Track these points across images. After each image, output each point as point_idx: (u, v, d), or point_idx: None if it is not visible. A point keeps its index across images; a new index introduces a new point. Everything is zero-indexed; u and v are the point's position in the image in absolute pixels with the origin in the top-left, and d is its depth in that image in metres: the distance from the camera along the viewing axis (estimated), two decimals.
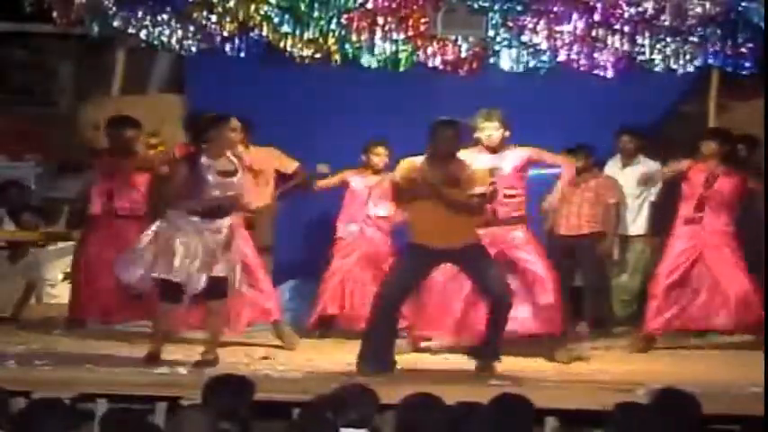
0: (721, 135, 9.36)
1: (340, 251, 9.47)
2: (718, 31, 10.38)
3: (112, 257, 9.03)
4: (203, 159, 7.83)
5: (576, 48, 10.54)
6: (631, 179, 10.18)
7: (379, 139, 9.45)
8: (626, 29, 10.47)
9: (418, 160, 7.87)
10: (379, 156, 9.39)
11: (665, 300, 9.07)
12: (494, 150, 8.45)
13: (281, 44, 10.72)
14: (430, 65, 10.69)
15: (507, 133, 8.48)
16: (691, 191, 9.13)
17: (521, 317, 8.33)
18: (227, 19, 10.70)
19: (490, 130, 8.45)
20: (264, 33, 10.74)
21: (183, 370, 7.69)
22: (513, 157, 8.49)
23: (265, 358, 8.22)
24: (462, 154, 8.02)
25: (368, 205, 9.44)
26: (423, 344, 8.86)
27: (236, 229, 8.00)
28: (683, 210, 9.15)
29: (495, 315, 7.86)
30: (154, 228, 7.92)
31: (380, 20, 10.63)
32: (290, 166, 9.44)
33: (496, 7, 10.59)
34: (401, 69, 10.73)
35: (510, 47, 10.64)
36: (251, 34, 10.77)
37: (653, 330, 9.13)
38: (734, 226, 9.13)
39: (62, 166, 12.30)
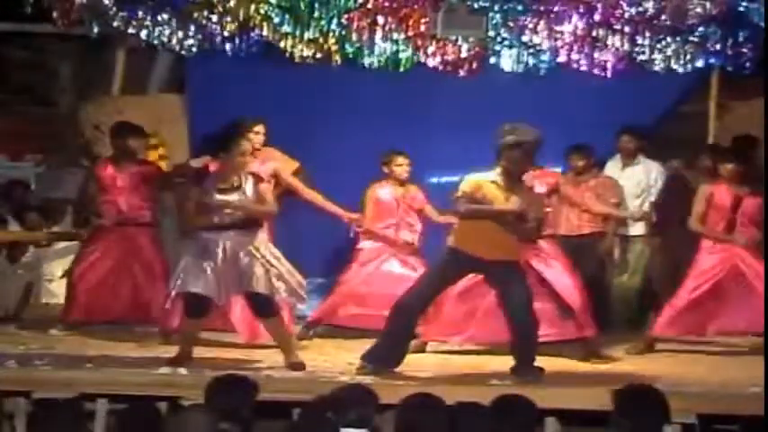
0: (736, 154, 9.33)
1: (361, 259, 9.45)
2: (719, 31, 10.38)
3: (115, 264, 9.08)
4: (207, 180, 7.88)
5: (576, 48, 10.54)
6: (631, 179, 10.18)
7: (399, 150, 9.44)
8: (626, 29, 10.47)
9: (487, 178, 7.76)
10: (401, 166, 9.39)
11: (683, 312, 9.03)
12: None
13: (281, 44, 10.73)
14: (430, 65, 10.69)
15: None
16: (718, 213, 9.07)
17: (555, 324, 8.43)
18: (228, 19, 10.70)
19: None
20: (264, 33, 10.75)
21: (183, 370, 7.69)
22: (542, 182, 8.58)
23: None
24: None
25: (398, 216, 9.43)
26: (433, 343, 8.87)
27: (258, 243, 7.90)
28: (712, 229, 9.08)
29: (518, 339, 7.79)
30: (185, 244, 7.97)
31: (380, 20, 10.63)
32: (291, 166, 9.43)
33: (496, 7, 10.59)
34: (401, 69, 10.73)
35: (510, 47, 10.64)
36: (251, 34, 10.77)
37: (659, 335, 9.10)
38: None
39: (62, 165, 12.31)
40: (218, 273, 7.72)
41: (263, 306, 7.88)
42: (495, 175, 7.76)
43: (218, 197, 7.82)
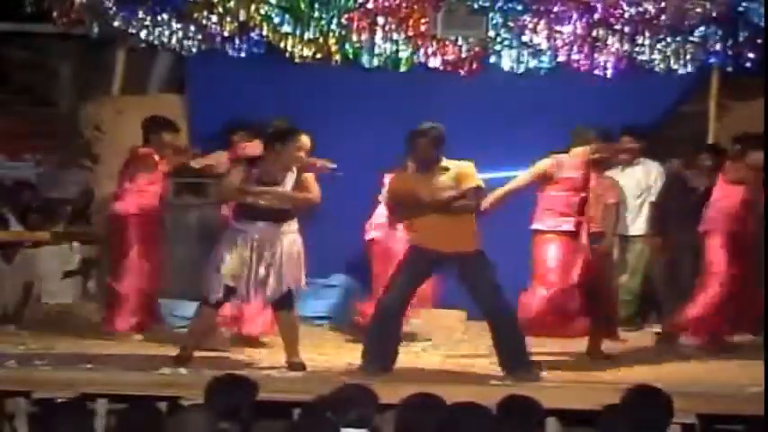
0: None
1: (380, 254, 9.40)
2: (719, 31, 10.37)
3: (147, 260, 9.07)
4: (257, 170, 7.92)
5: (576, 48, 10.54)
6: (631, 179, 10.18)
7: None
8: (626, 29, 10.47)
9: (405, 172, 7.94)
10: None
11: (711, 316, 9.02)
12: None
13: (281, 44, 10.73)
14: (430, 65, 10.69)
15: None
16: None
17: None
18: (228, 19, 10.70)
19: None
20: (264, 33, 10.74)
21: (183, 370, 7.70)
22: None
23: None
24: None
25: None
26: None
27: (287, 236, 7.97)
28: None
29: (497, 328, 7.80)
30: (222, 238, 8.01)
31: (380, 20, 10.63)
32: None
33: (496, 7, 10.59)
34: (401, 69, 10.73)
35: (510, 47, 10.64)
36: (251, 34, 10.77)
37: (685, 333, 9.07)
38: None
39: (62, 165, 12.31)
40: (244, 264, 7.79)
41: (281, 298, 7.92)
42: (409, 169, 7.92)
43: (258, 188, 7.87)
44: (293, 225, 8.02)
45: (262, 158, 8.09)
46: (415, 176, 7.89)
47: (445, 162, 7.86)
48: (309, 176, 8.05)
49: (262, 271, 7.86)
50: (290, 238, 7.97)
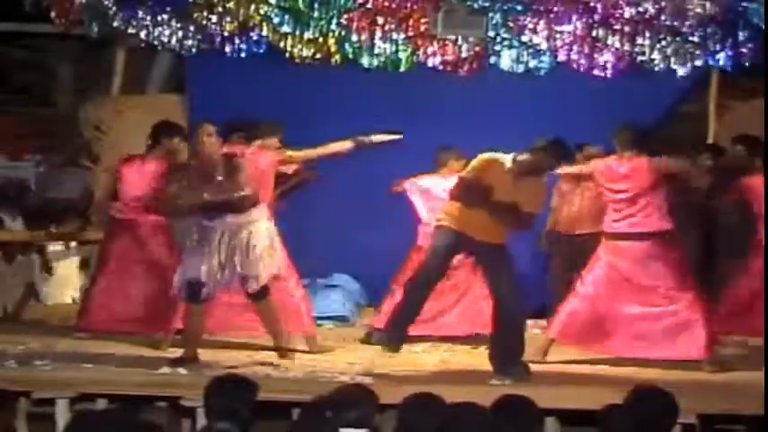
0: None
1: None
2: (719, 31, 10.37)
3: (137, 263, 9.08)
4: (191, 166, 7.96)
5: (576, 48, 10.53)
6: None
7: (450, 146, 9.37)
8: (626, 29, 10.46)
9: (501, 161, 7.81)
10: (459, 160, 9.16)
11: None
12: None
13: (281, 44, 10.72)
14: (430, 65, 10.69)
15: None
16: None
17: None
18: (227, 19, 10.69)
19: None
20: (264, 33, 10.73)
21: (183, 370, 7.70)
22: None
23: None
24: None
25: None
26: None
27: (255, 227, 7.99)
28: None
29: (503, 324, 7.80)
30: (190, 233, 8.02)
31: (380, 20, 10.61)
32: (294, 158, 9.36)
33: (496, 7, 10.58)
34: (401, 69, 10.72)
35: (510, 47, 10.62)
36: (251, 34, 10.77)
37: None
38: None
39: (62, 165, 12.32)
40: (213, 257, 7.82)
41: (252, 289, 7.97)
42: (510, 161, 7.80)
43: (191, 192, 7.88)
44: (261, 211, 8.04)
45: (184, 162, 8.14)
46: (510, 174, 7.77)
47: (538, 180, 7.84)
48: (242, 172, 7.98)
49: (236, 263, 7.88)
50: (261, 225, 7.98)
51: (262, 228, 8.01)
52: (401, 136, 8.86)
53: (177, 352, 8.08)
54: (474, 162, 7.86)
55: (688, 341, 8.15)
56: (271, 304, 8.10)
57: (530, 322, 8.63)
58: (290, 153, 8.91)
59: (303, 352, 8.41)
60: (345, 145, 8.95)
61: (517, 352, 7.77)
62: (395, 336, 7.78)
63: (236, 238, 7.90)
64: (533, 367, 7.95)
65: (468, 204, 7.71)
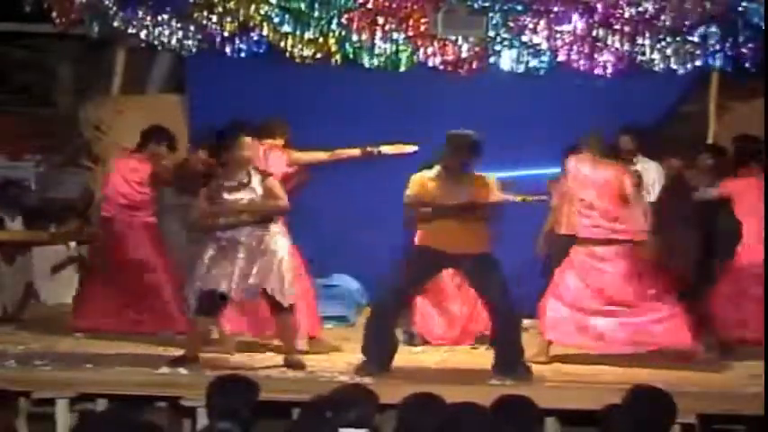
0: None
1: None
2: (719, 31, 10.37)
3: (128, 262, 9.10)
4: (213, 179, 7.92)
5: (576, 48, 10.53)
6: None
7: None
8: (626, 29, 10.46)
9: (429, 176, 7.91)
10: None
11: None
12: None
13: (281, 44, 10.72)
14: (430, 65, 10.69)
15: None
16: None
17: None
18: (228, 19, 10.69)
19: None
20: (264, 33, 10.73)
21: (183, 370, 7.69)
22: None
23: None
24: None
25: None
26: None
27: (274, 237, 7.94)
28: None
29: (502, 330, 7.82)
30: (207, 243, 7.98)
31: (380, 20, 10.62)
32: (297, 159, 9.34)
33: (497, 7, 10.58)
34: (401, 69, 10.72)
35: (510, 47, 10.63)
36: (251, 34, 10.76)
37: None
38: None
39: (62, 165, 12.31)
40: (236, 270, 7.78)
41: (276, 300, 7.92)
42: (435, 171, 7.89)
43: (227, 196, 7.84)
44: (279, 226, 8.01)
45: (218, 168, 8.07)
46: (439, 180, 7.86)
47: (473, 173, 7.88)
48: (272, 182, 7.97)
49: (254, 274, 7.82)
50: (280, 239, 7.95)
51: (281, 240, 7.99)
52: (415, 149, 8.83)
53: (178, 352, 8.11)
54: (409, 185, 7.92)
55: (672, 330, 8.22)
56: (291, 317, 8.07)
57: (530, 322, 8.64)
58: (297, 155, 8.90)
59: (305, 352, 8.40)
60: (353, 153, 8.95)
61: (517, 352, 7.78)
62: (380, 362, 7.76)
63: (257, 250, 7.84)
64: (533, 368, 7.97)
65: (430, 219, 7.78)
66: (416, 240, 8.02)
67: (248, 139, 7.99)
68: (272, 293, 7.86)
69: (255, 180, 7.90)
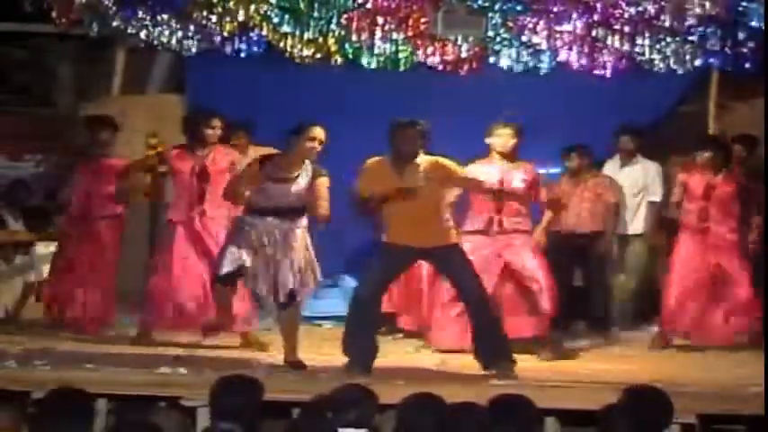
0: (715, 143, 9.48)
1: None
2: (719, 31, 10.38)
3: (91, 257, 9.11)
4: (269, 166, 7.87)
5: (575, 48, 10.55)
6: (629, 178, 10.19)
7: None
8: (626, 29, 10.47)
9: (380, 161, 7.90)
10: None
11: (677, 310, 9.18)
12: (505, 157, 8.61)
13: (281, 44, 10.73)
14: (430, 65, 10.69)
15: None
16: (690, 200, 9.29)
17: (516, 322, 8.46)
18: (227, 19, 10.70)
19: (505, 138, 8.58)
20: (264, 33, 10.75)
21: (183, 370, 7.70)
22: (522, 174, 8.68)
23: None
24: (474, 165, 8.33)
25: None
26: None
27: (298, 233, 7.94)
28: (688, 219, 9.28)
29: (478, 317, 7.83)
30: (235, 225, 8.04)
31: (380, 20, 10.63)
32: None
33: (496, 7, 10.59)
34: (401, 69, 10.73)
35: (510, 47, 10.64)
36: (251, 34, 10.77)
37: (668, 332, 9.30)
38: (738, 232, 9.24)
39: (62, 165, 12.30)
40: (254, 257, 7.79)
41: (290, 297, 7.92)
42: (385, 158, 7.90)
43: (273, 185, 7.83)
44: (304, 221, 7.98)
45: (273, 155, 8.04)
46: (390, 167, 7.84)
47: (420, 158, 7.85)
48: (323, 185, 7.88)
49: (275, 266, 7.83)
50: (302, 235, 7.94)
51: (302, 237, 7.98)
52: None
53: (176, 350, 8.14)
54: (360, 175, 7.93)
55: (532, 321, 8.59)
56: (294, 315, 8.08)
57: None
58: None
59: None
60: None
61: (503, 346, 7.82)
62: (364, 361, 7.76)
63: (277, 242, 7.84)
64: (533, 367, 7.96)
65: (389, 206, 7.75)
66: (384, 237, 7.98)
67: (320, 132, 7.92)
68: (289, 288, 7.86)
69: (303, 177, 7.86)
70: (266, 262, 7.83)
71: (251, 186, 7.89)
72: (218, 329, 8.23)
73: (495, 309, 8.02)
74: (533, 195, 8.73)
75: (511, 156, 8.70)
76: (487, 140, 8.71)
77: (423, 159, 7.83)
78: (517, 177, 8.66)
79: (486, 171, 8.60)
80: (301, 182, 7.86)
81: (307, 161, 7.89)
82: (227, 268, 7.87)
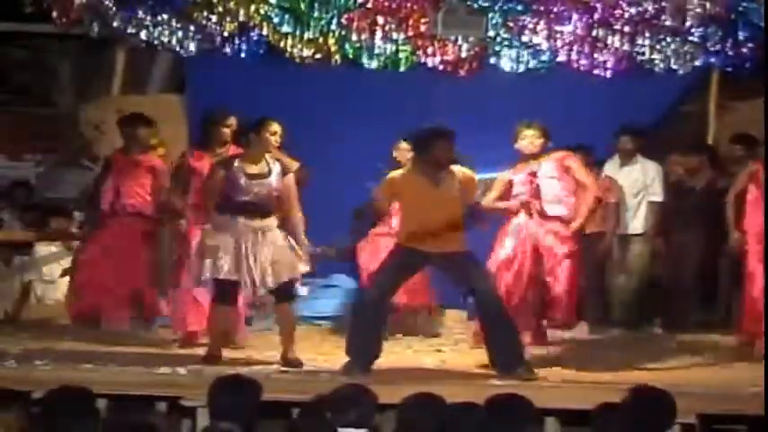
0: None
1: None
2: (719, 31, 10.38)
3: (117, 255, 9.11)
4: (236, 163, 7.94)
5: (576, 48, 10.54)
6: (629, 178, 10.18)
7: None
8: (626, 29, 10.47)
9: (408, 173, 7.92)
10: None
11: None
12: (532, 157, 8.59)
13: (281, 44, 10.73)
14: (430, 65, 10.69)
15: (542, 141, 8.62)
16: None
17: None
18: (228, 19, 10.70)
19: (530, 138, 8.55)
20: (264, 33, 10.75)
21: (182, 370, 7.70)
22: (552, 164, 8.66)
23: None
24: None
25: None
26: None
27: (275, 229, 8.00)
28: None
29: (493, 324, 7.80)
30: (204, 229, 8.05)
31: (380, 20, 10.63)
32: (291, 166, 9.40)
33: (496, 7, 10.59)
34: (401, 69, 10.73)
35: (510, 47, 10.64)
36: (251, 34, 10.77)
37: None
38: None
39: (62, 165, 12.31)
40: (245, 259, 7.82)
41: (282, 291, 7.96)
42: (412, 168, 7.91)
43: (247, 182, 7.89)
44: (275, 221, 8.03)
45: (234, 156, 8.14)
46: (423, 177, 7.84)
47: (454, 167, 7.86)
48: (291, 186, 8.04)
49: (255, 263, 7.86)
50: (276, 232, 7.98)
51: (279, 233, 8.01)
52: None
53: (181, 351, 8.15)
54: (382, 186, 7.97)
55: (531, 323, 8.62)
56: (291, 308, 8.11)
57: None
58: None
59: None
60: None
61: (518, 350, 7.77)
62: (364, 362, 7.76)
63: (257, 239, 7.88)
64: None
65: (413, 219, 7.80)
66: (398, 240, 8.01)
67: (276, 126, 8.07)
68: (284, 283, 7.90)
69: (275, 171, 7.96)
70: (245, 256, 7.85)
71: (219, 192, 7.94)
72: (218, 358, 8.04)
73: (510, 315, 7.96)
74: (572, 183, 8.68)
75: (539, 157, 8.65)
76: (516, 146, 8.66)
77: (457, 169, 7.85)
78: (546, 169, 8.60)
79: (518, 179, 8.63)
80: (273, 178, 7.94)
81: (268, 155, 8.01)
82: (205, 276, 7.92)
